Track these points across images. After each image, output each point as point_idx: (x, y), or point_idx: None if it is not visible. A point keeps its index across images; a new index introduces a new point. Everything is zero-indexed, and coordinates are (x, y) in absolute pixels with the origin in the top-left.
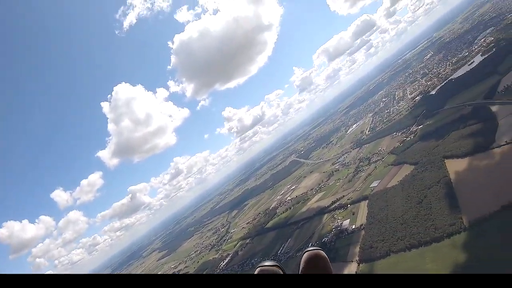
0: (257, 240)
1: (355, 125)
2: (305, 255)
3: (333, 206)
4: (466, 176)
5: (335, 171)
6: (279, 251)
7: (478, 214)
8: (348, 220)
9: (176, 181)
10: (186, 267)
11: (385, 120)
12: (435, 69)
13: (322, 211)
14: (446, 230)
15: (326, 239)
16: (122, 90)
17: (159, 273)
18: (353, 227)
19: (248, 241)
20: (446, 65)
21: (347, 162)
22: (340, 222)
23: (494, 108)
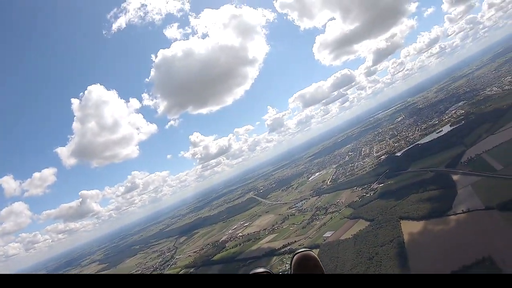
0: (201, 271)
1: (318, 173)
2: (295, 257)
3: (283, 250)
4: (419, 238)
5: (291, 215)
6: None
7: None
8: None
9: (130, 195)
10: None
11: (347, 174)
12: (404, 132)
13: (272, 252)
14: None
15: None
16: (96, 91)
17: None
18: None
19: (192, 270)
20: (415, 130)
21: (304, 209)
22: (288, 267)
23: (455, 177)
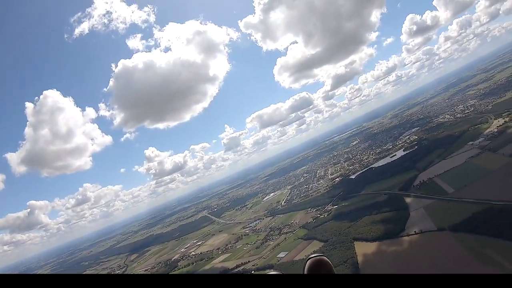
0: None
1: (272, 193)
2: (308, 262)
3: (236, 270)
4: (373, 259)
5: (245, 235)
6: None
7: None
8: None
9: (81, 209)
10: None
11: (302, 195)
12: (359, 155)
13: (224, 272)
14: None
15: None
16: (52, 97)
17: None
18: None
19: None
20: (369, 153)
21: (258, 229)
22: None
23: (408, 200)
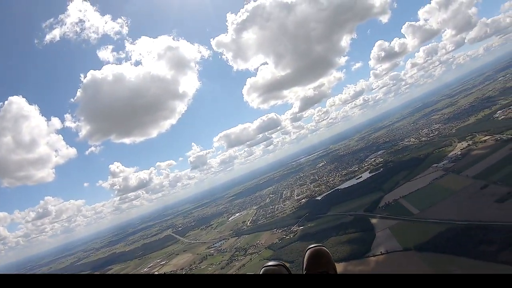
0: None
1: (238, 213)
2: (308, 252)
3: None
4: None
5: (210, 255)
6: None
7: None
8: None
9: (41, 223)
10: None
11: (268, 215)
12: (325, 177)
13: None
14: None
15: None
16: (17, 104)
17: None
18: None
19: None
20: (335, 175)
21: (223, 249)
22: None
23: (373, 221)
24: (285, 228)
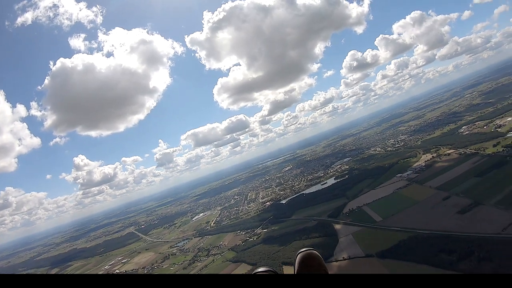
0: None
1: (202, 214)
2: (299, 256)
3: None
4: None
5: (172, 254)
6: None
7: None
8: None
9: (1, 214)
10: None
11: (232, 217)
12: (291, 181)
13: None
14: None
15: None
16: None
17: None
18: None
19: None
20: (301, 180)
21: (186, 249)
22: None
23: (337, 226)
24: (249, 230)
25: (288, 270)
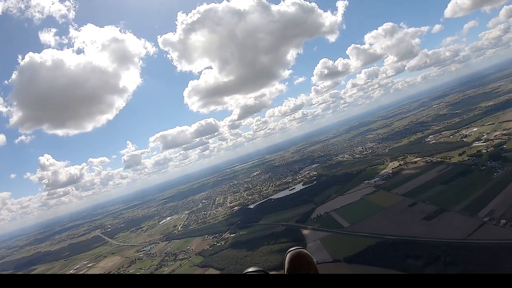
0: None
1: (169, 217)
2: (288, 255)
3: None
4: None
5: (139, 259)
6: None
7: None
8: None
9: None
10: None
11: (200, 221)
12: (259, 186)
13: None
14: None
15: None
16: None
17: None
18: None
19: None
20: (269, 185)
21: (153, 253)
22: None
23: (305, 232)
24: (217, 235)
25: None
